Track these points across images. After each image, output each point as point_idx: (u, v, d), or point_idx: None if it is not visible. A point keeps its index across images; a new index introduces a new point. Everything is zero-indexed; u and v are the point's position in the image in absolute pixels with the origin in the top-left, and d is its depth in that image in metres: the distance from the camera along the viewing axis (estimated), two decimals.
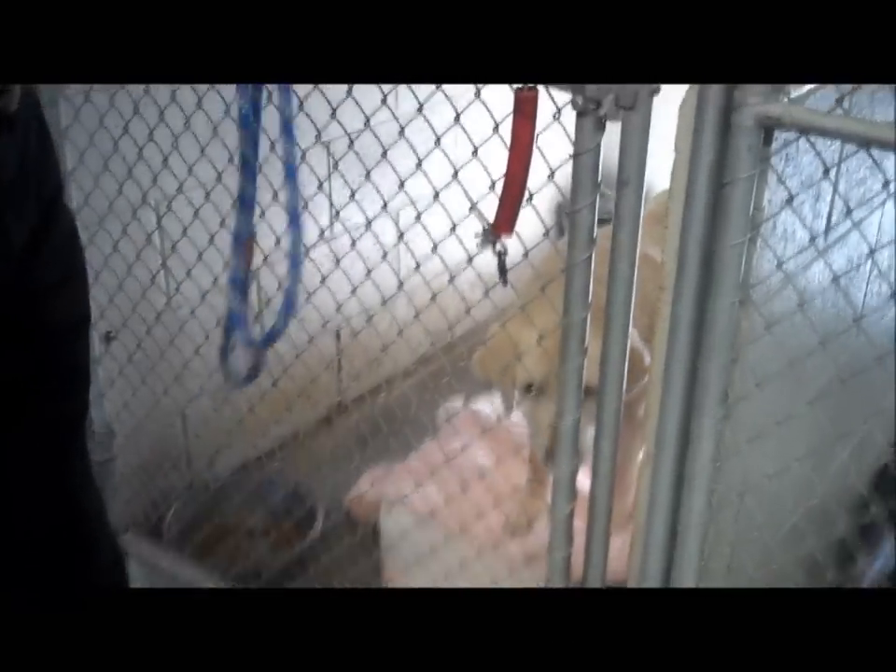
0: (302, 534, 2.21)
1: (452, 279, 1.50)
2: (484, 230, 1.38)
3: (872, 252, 1.03)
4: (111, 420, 2.19)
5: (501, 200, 1.33)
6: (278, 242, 1.57)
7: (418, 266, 1.57)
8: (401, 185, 1.53)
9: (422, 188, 1.50)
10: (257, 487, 2.14)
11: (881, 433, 1.20)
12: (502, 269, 1.41)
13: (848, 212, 1.10)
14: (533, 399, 1.98)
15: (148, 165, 1.88)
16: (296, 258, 1.36)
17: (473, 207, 1.39)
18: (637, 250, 1.29)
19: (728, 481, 1.28)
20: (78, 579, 1.34)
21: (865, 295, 1.42)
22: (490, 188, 1.37)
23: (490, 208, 1.32)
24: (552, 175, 1.32)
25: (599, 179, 1.25)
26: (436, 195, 1.48)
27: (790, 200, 1.10)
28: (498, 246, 1.39)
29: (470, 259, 1.44)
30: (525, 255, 1.39)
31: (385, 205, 1.56)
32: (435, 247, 1.52)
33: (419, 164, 1.47)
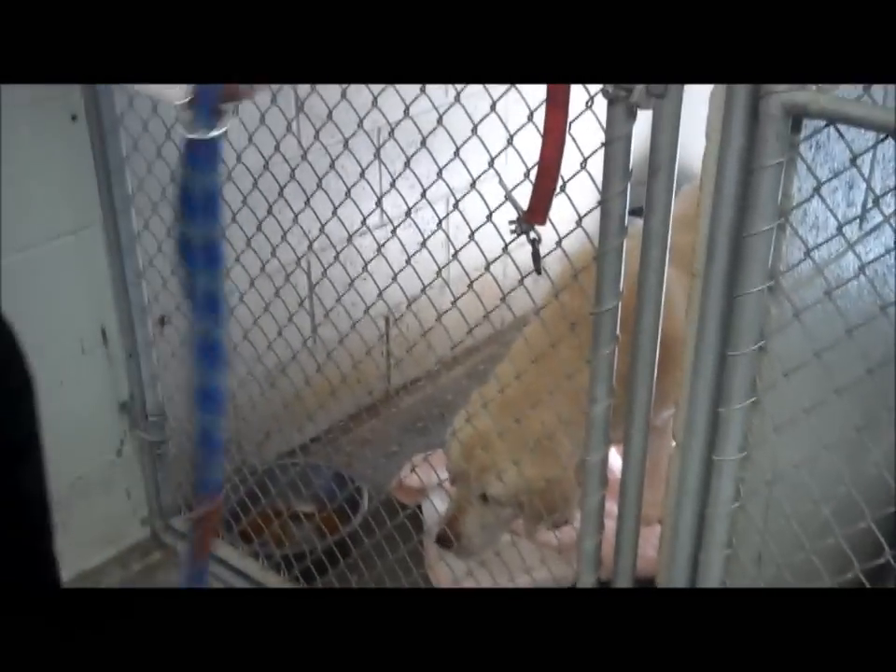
0: (346, 519, 2.25)
1: (488, 266, 1.51)
2: (518, 218, 1.39)
3: None
4: (164, 403, 2.24)
5: (534, 188, 1.34)
6: None
7: (456, 254, 1.59)
8: (440, 173, 1.54)
9: (460, 178, 1.52)
10: (303, 472, 2.17)
11: None
12: (536, 257, 1.42)
13: (876, 200, 1.09)
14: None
15: None
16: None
17: (508, 195, 1.41)
18: (669, 239, 1.29)
19: (757, 470, 1.28)
20: None
21: None
22: (525, 175, 1.38)
23: (526, 197, 1.33)
24: (584, 164, 1.33)
25: (630, 167, 1.25)
26: (473, 183, 1.49)
27: (817, 187, 1.09)
28: (532, 234, 1.40)
29: (506, 247, 1.45)
30: (559, 243, 1.40)
31: (423, 193, 1.57)
32: (472, 235, 1.53)
33: (457, 152, 1.48)
